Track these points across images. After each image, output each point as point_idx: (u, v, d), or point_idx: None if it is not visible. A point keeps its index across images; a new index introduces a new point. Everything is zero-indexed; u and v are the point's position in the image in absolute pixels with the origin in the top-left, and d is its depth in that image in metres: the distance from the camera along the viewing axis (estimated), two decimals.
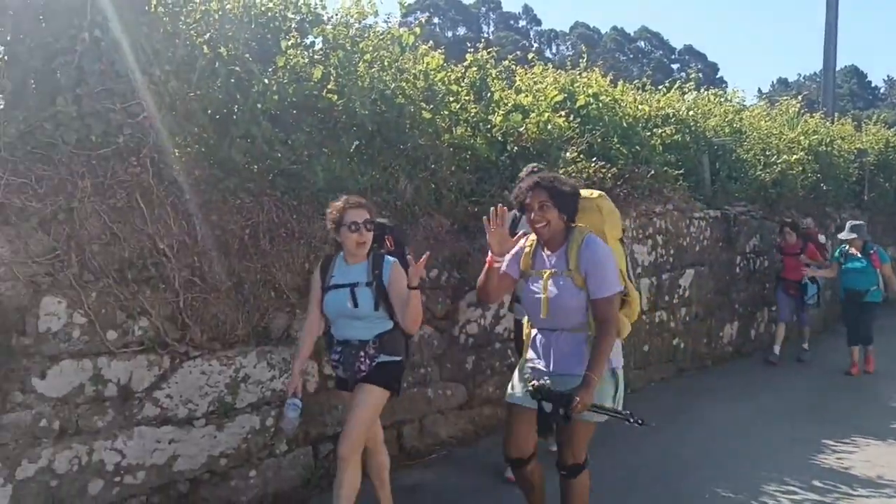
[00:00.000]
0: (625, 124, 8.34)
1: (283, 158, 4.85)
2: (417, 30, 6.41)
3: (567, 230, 3.55)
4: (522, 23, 79.09)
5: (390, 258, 3.93)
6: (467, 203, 6.00)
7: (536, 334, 3.68)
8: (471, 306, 5.88)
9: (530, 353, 3.71)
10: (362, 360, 3.81)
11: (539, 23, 79.72)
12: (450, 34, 65.67)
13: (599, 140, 7.64)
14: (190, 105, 4.38)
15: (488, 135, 6.46)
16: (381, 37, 6.05)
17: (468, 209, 5.97)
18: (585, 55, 9.59)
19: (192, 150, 4.55)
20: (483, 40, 9.23)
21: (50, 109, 3.77)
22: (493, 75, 7.38)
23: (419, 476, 5.08)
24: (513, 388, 3.77)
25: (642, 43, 77.59)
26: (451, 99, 6.43)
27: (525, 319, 3.86)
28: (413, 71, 6.16)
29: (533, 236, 3.69)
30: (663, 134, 8.64)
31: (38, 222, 3.68)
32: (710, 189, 9.38)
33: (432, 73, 6.34)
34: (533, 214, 3.50)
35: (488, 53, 7.42)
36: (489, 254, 3.63)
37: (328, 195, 5.00)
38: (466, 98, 6.60)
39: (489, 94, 7.00)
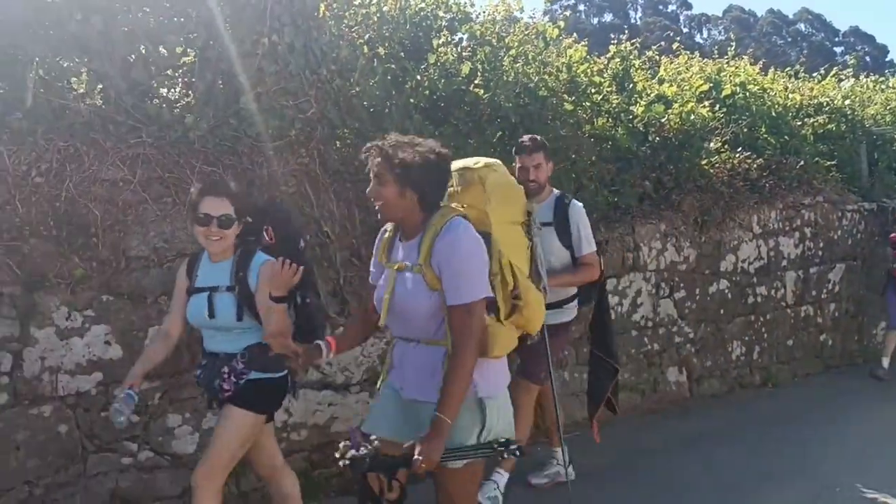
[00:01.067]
0: (773, 114, 8.16)
1: None
2: (562, 23, 6.60)
3: (426, 213, 2.64)
4: (672, 7, 76.51)
5: (263, 256, 3.14)
6: (607, 193, 6.14)
7: (395, 343, 2.84)
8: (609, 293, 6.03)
9: (389, 367, 2.87)
10: (226, 376, 3.09)
11: (689, 7, 76.74)
12: (595, 21, 64.61)
13: (745, 130, 7.55)
14: (351, 101, 4.81)
15: (629, 125, 6.56)
16: (525, 31, 6.29)
17: (608, 198, 6.12)
18: (734, 43, 9.39)
19: (352, 142, 4.98)
20: (629, 27, 9.25)
21: (234, 107, 4.30)
22: (637, 66, 7.45)
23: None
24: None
25: (802, 25, 73.14)
26: (593, 90, 6.58)
27: None
28: (556, 64, 6.36)
29: None
30: (815, 123, 8.37)
31: None
32: (867, 180, 8.96)
33: (575, 65, 6.52)
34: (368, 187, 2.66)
35: (631, 44, 7.50)
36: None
37: None
38: (608, 89, 6.72)
39: (631, 85, 7.09)
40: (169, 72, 4.54)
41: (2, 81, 3.77)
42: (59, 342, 3.71)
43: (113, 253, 3.89)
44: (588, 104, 6.43)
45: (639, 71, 7.45)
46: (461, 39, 5.96)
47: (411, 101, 5.17)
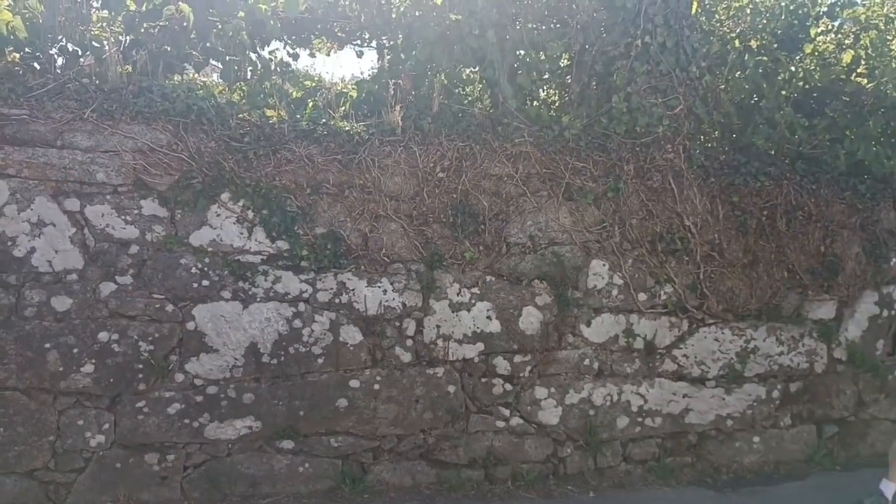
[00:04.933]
0: None
1: (804, 142, 4.96)
2: None
3: None
4: None
5: None
6: None
7: None
8: None
9: None
10: None
11: None
12: None
13: None
14: (719, 96, 4.81)
15: None
16: None
17: None
18: None
19: (717, 137, 4.97)
20: None
21: (606, 106, 4.56)
22: None
23: None
24: None
25: None
26: None
27: None
28: None
29: None
30: None
31: (593, 199, 4.50)
32: None
33: None
34: None
35: None
36: None
37: (849, 179, 5.01)
38: None
39: None
40: (546, 76, 4.96)
41: (415, 91, 4.45)
42: (451, 314, 4.31)
43: (496, 239, 4.40)
44: None
45: None
46: (842, 25, 5.57)
47: (783, 93, 5.00)
